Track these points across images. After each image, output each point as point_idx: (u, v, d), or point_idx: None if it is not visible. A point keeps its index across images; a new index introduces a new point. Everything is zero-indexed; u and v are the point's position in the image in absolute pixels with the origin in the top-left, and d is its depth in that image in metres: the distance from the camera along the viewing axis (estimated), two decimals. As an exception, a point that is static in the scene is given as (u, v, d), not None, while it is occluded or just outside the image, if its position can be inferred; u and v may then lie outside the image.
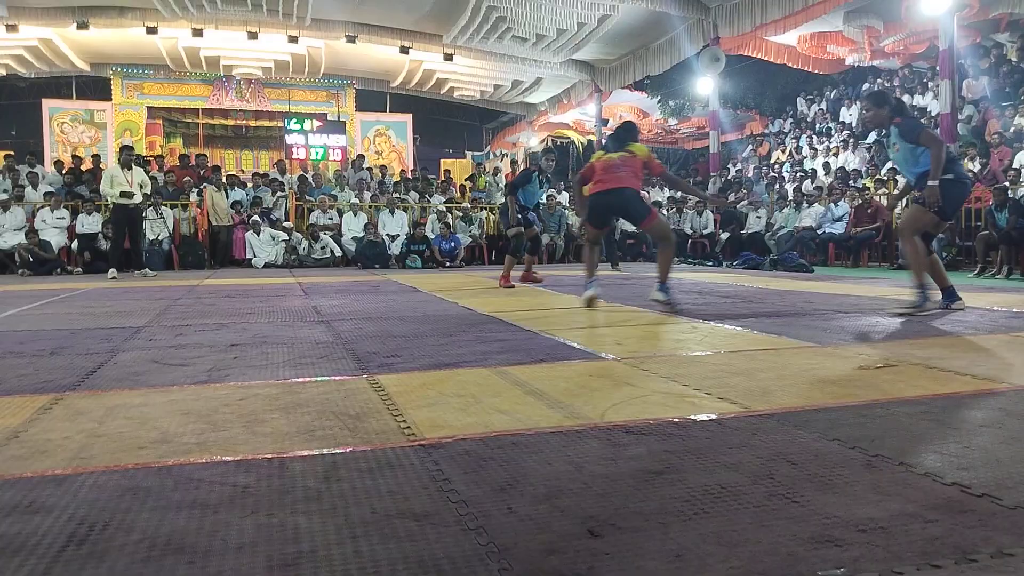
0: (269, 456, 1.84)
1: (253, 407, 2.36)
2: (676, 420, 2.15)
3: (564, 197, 14.01)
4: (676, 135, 22.67)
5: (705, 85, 15.61)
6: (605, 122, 18.77)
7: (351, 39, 15.40)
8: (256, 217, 12.06)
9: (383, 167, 16.27)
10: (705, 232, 13.22)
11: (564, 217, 13.07)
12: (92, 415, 2.26)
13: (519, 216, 7.43)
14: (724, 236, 12.95)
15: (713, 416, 2.20)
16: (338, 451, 1.88)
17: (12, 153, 14.40)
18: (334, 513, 1.48)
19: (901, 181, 11.71)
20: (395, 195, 13.40)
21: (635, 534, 1.37)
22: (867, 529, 1.37)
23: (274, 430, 2.09)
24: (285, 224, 12.40)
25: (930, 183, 4.53)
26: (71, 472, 1.73)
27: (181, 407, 2.36)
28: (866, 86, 16.67)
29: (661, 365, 2.99)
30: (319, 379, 2.81)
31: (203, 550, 1.31)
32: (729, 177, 16.42)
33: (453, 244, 12.12)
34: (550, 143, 21.17)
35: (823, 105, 17.97)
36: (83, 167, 13.58)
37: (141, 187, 9.78)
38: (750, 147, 19.20)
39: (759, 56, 14.98)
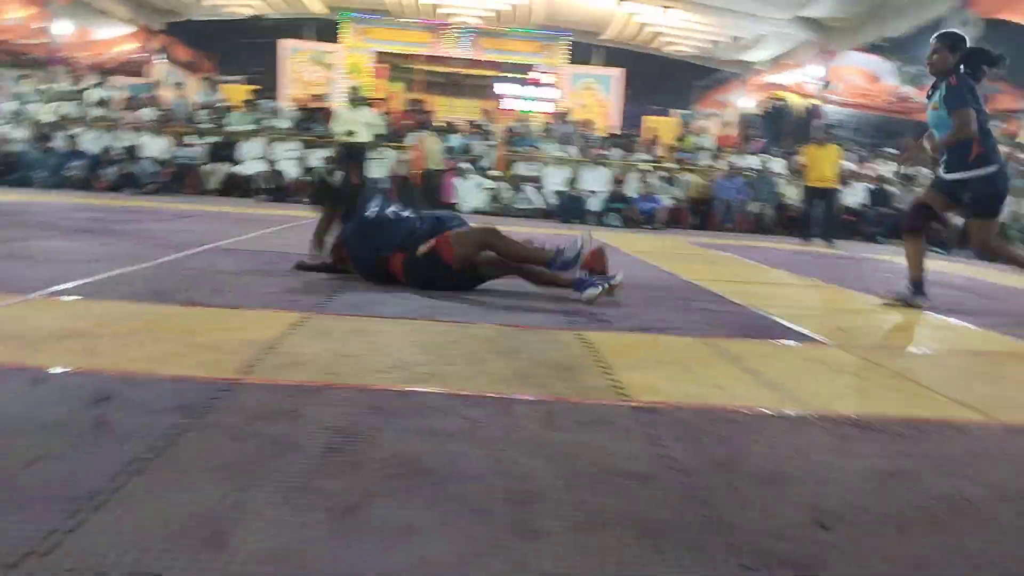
0: (493, 395, 1.95)
1: (474, 346, 2.49)
2: (910, 420, 2.01)
3: (778, 164, 13.30)
4: (908, 104, 20.58)
5: (952, 52, 13.99)
6: (831, 85, 17.44)
7: (569, -13, 15.34)
8: (466, 164, 12.52)
9: (588, 121, 16.23)
10: (935, 215, 12.02)
11: (774, 186, 12.40)
12: (335, 336, 2.50)
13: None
14: (957, 221, 11.70)
15: (951, 421, 2.03)
16: (555, 400, 1.95)
17: (259, 88, 15.87)
18: (557, 460, 1.55)
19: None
20: (599, 151, 13.36)
21: (869, 534, 1.32)
22: None
23: (495, 371, 2.20)
24: (492, 172, 12.78)
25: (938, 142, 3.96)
26: (323, 386, 1.93)
27: (411, 338, 2.54)
28: None
29: (888, 357, 2.80)
30: (531, 328, 2.90)
31: (443, 475, 1.42)
32: (968, 156, 14.72)
33: (653, 205, 11.92)
34: (768, 104, 20.04)
35: (1097, 81, 15.51)
36: (312, 106, 14.71)
37: (370, 127, 10.45)
38: (996, 123, 17.05)
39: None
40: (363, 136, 10.35)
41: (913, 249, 4.26)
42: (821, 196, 10.04)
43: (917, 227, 4.28)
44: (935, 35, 4.12)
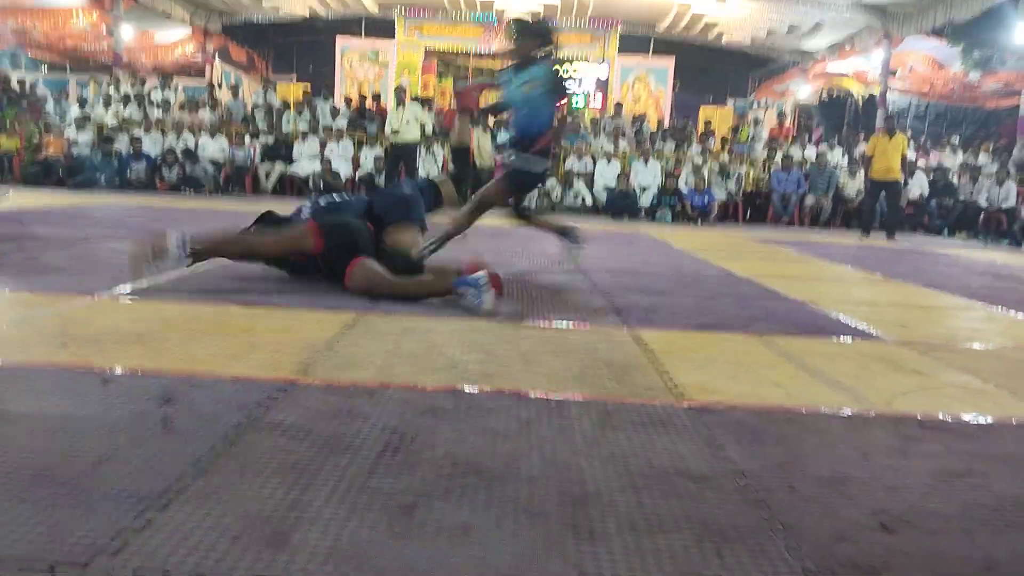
0: (547, 395, 1.94)
1: (526, 345, 2.49)
2: (977, 419, 1.94)
3: (837, 154, 12.95)
4: (976, 91, 19.83)
5: (1024, 33, 13.41)
6: (893, 72, 16.90)
7: (623, -21, 15.16)
8: (514, 158, 12.52)
9: (641, 116, 16.06)
10: (1004, 205, 11.56)
11: (835, 177, 12.08)
12: (389, 336, 2.52)
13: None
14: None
15: (1020, 419, 1.96)
16: (609, 400, 1.94)
17: (309, 88, 16.13)
18: (613, 461, 1.53)
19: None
20: (650, 145, 13.20)
21: (935, 536, 1.28)
22: None
23: (548, 371, 2.19)
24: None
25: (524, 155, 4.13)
26: (379, 386, 1.95)
27: (462, 337, 2.56)
28: None
29: (953, 355, 2.71)
30: (583, 326, 2.89)
31: (499, 475, 1.42)
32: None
33: (707, 199, 11.73)
34: (824, 95, 19.54)
35: None
36: (367, 104, 14.88)
37: (417, 123, 10.55)
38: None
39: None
40: (411, 133, 10.44)
41: (538, 223, 4.81)
42: (885, 188, 9.77)
43: (524, 216, 4.72)
44: (512, 21, 4.30)
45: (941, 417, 1.94)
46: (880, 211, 10.25)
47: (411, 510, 1.26)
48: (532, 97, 4.12)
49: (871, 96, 18.10)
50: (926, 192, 11.98)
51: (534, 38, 4.14)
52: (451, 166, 4.31)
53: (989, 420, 1.94)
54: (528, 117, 4.19)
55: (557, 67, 4.21)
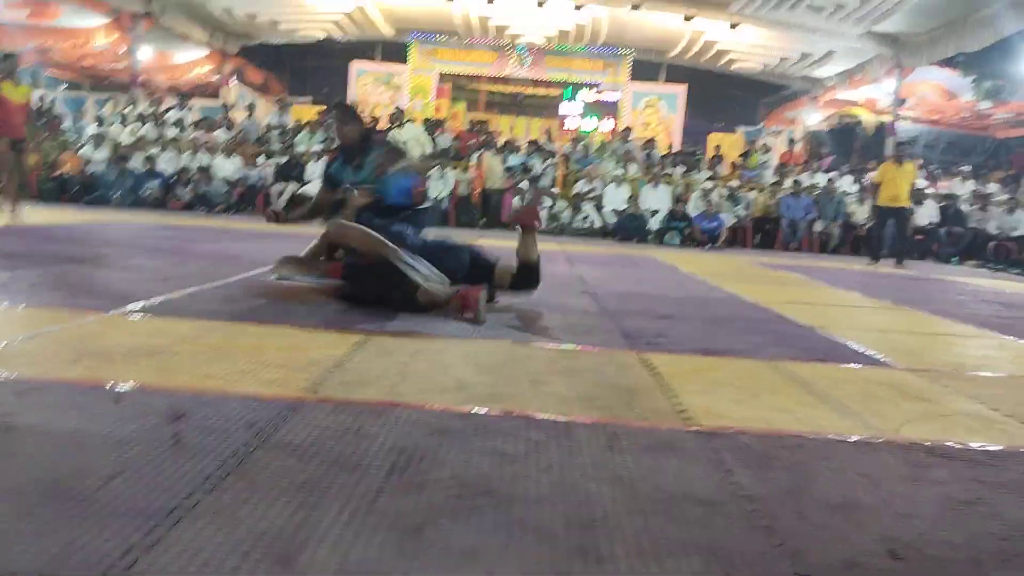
0: (555, 417, 1.95)
1: (535, 367, 2.50)
2: (986, 447, 1.93)
3: (846, 182, 12.96)
4: (987, 121, 19.84)
5: (1035, 63, 13.44)
6: (902, 101, 16.95)
7: (635, 6, 15.30)
8: (524, 183, 12.58)
9: (651, 140, 16.14)
10: (1014, 234, 11.54)
11: (843, 204, 12.09)
12: (399, 355, 2.54)
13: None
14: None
15: (1031, 450, 1.95)
16: (617, 423, 1.94)
17: (325, 108, 16.28)
18: (621, 484, 1.53)
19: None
20: (660, 169, 13.25)
21: (943, 564, 1.28)
22: None
23: (556, 392, 2.20)
24: (552, 191, 12.80)
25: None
26: (388, 405, 1.96)
27: (472, 358, 2.57)
28: None
29: (963, 383, 2.70)
30: (591, 349, 2.89)
31: (507, 497, 1.43)
32: (1050, 172, 14.09)
33: (715, 224, 11.75)
34: (837, 121, 19.58)
35: None
36: (379, 126, 15.01)
37: (417, 144, 10.69)
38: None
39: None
40: (410, 154, 10.59)
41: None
42: (893, 216, 9.76)
43: None
44: (335, 108, 4.33)
45: (950, 444, 1.93)
46: (889, 238, 10.24)
47: (419, 531, 1.27)
48: (387, 178, 4.14)
49: (881, 124, 18.12)
50: (936, 220, 11.95)
51: (356, 122, 4.17)
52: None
53: (999, 448, 1.93)
54: (395, 190, 4.17)
55: (391, 142, 4.22)
